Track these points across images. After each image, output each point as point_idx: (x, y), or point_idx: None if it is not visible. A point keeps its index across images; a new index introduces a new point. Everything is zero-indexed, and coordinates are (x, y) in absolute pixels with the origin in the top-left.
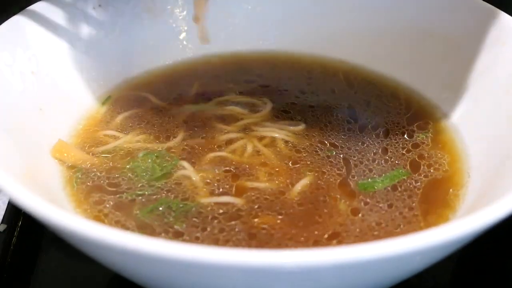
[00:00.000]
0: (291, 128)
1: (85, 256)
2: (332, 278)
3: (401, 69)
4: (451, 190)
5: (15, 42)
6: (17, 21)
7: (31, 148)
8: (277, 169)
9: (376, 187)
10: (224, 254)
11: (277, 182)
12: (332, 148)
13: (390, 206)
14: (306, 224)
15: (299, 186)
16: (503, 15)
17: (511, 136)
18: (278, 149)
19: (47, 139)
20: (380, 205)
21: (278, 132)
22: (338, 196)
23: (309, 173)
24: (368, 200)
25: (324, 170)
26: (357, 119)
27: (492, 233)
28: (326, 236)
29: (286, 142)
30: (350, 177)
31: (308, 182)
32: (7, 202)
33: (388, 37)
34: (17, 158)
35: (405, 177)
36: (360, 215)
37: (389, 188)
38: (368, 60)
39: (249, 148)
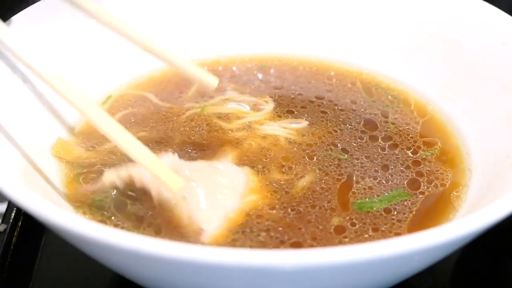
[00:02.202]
0: (293, 126)
1: (85, 256)
2: (332, 278)
3: (402, 70)
4: (454, 192)
5: (16, 42)
6: (17, 21)
7: (31, 148)
8: (277, 167)
9: (374, 208)
10: (224, 254)
11: (274, 181)
12: (334, 150)
13: (375, 230)
14: (289, 225)
15: (298, 186)
16: (503, 15)
17: (511, 136)
18: (280, 147)
19: (47, 138)
20: (366, 228)
21: (280, 130)
22: (333, 207)
23: (308, 175)
24: (355, 221)
25: (324, 176)
26: (368, 128)
27: (492, 233)
28: (290, 242)
29: (289, 140)
30: (350, 193)
31: (307, 184)
32: (7, 202)
33: (390, 38)
34: (17, 158)
35: (405, 198)
36: (342, 235)
37: (382, 211)
38: (375, 63)
39: (253, 146)
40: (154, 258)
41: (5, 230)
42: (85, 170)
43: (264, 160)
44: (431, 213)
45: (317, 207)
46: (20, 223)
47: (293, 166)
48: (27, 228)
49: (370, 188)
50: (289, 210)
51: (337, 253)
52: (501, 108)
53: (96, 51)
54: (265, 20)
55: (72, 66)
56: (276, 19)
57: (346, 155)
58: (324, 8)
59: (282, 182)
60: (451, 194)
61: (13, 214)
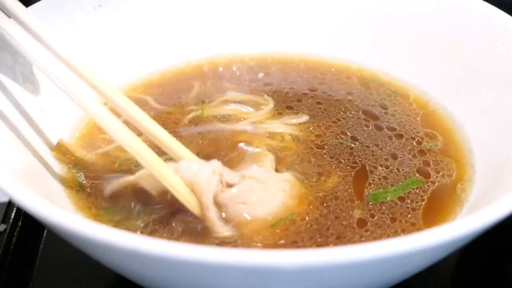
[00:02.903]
0: (294, 121)
1: (85, 256)
2: (332, 278)
3: (402, 69)
4: (458, 185)
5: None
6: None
7: (32, 148)
8: (288, 167)
9: (388, 198)
10: (224, 254)
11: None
12: (345, 138)
13: (393, 220)
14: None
15: (324, 185)
16: (503, 15)
17: (511, 136)
18: (286, 144)
19: (48, 139)
20: (384, 219)
21: (284, 127)
22: (351, 201)
23: (318, 172)
24: (373, 212)
25: (334, 170)
26: (369, 119)
27: (492, 233)
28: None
29: (293, 136)
30: (360, 183)
31: (332, 183)
32: (7, 202)
33: (390, 37)
34: (18, 158)
35: (417, 186)
36: (363, 229)
37: (396, 200)
38: (372, 60)
39: (259, 146)
40: (154, 258)
41: (5, 230)
42: (86, 172)
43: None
44: (441, 202)
45: (340, 200)
46: (20, 223)
47: (303, 162)
48: (27, 228)
49: (384, 178)
50: (315, 207)
51: (337, 253)
52: (501, 108)
53: (96, 51)
54: (263, 20)
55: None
56: (275, 19)
57: (356, 143)
58: (324, 7)
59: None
60: (457, 186)
61: (13, 214)
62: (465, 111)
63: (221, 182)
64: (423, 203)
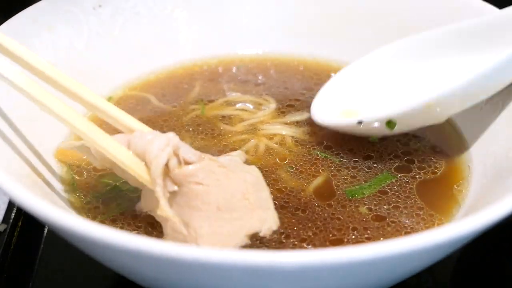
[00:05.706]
0: (297, 118)
1: (85, 256)
2: (332, 278)
3: None
4: (454, 186)
5: (13, 42)
6: (16, 21)
7: (32, 148)
8: (292, 169)
9: (365, 193)
10: (224, 254)
11: (295, 181)
12: (329, 152)
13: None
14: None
15: (312, 185)
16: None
17: (510, 136)
18: (287, 147)
19: (48, 139)
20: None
21: (286, 129)
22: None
23: (321, 173)
24: (371, 206)
25: (333, 171)
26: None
27: (492, 233)
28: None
29: (294, 139)
30: (347, 183)
31: (321, 182)
32: (7, 202)
33: (387, 37)
34: (18, 158)
35: (393, 180)
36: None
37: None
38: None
39: (262, 148)
40: (154, 258)
41: (5, 230)
42: (86, 172)
43: (273, 161)
44: (437, 202)
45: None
46: (20, 223)
47: (302, 164)
48: (27, 228)
49: (354, 176)
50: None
51: (336, 253)
52: (500, 108)
53: (96, 51)
54: (264, 21)
55: (72, 66)
56: (275, 20)
57: (342, 156)
58: (323, 9)
59: (296, 183)
60: (453, 188)
61: (13, 214)
62: (464, 111)
63: (178, 158)
64: (416, 199)
